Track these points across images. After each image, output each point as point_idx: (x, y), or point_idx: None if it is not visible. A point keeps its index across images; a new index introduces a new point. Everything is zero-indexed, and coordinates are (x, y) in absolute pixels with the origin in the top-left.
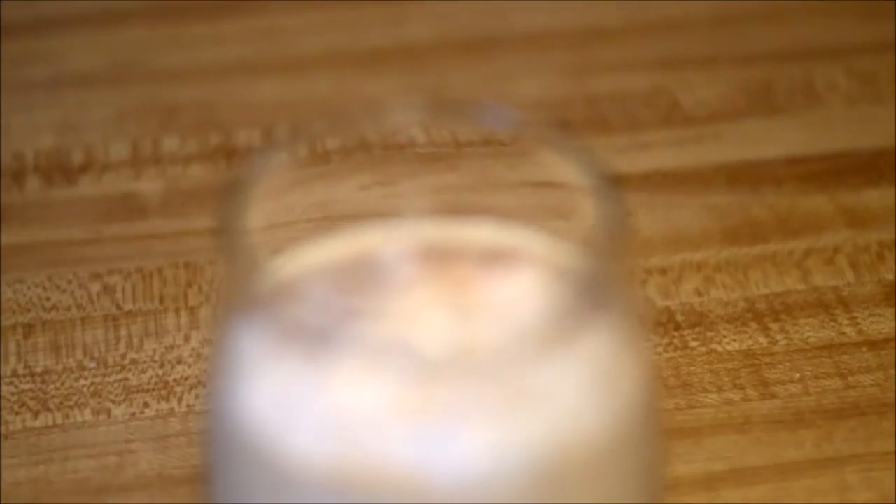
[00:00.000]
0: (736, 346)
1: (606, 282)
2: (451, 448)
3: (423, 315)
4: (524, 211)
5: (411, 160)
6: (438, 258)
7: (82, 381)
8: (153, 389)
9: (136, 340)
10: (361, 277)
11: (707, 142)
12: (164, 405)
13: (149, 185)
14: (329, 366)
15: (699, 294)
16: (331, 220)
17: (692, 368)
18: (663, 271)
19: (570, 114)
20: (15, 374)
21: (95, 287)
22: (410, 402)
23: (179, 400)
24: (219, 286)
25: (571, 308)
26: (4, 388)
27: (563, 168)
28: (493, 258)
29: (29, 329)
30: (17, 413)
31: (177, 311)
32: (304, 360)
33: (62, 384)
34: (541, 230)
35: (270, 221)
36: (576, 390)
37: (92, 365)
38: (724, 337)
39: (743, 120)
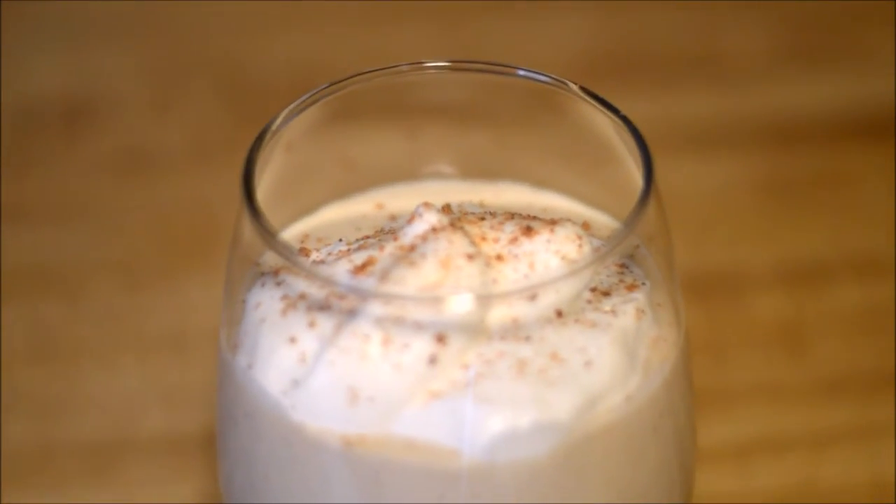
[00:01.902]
0: (769, 308)
1: (639, 242)
2: (479, 418)
3: (450, 281)
4: (556, 170)
5: (442, 118)
6: (468, 220)
7: (94, 331)
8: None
9: (152, 291)
10: (387, 239)
11: (741, 94)
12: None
13: (172, 134)
14: (349, 333)
15: (731, 254)
16: (358, 175)
17: (724, 332)
18: (695, 229)
19: (600, 68)
20: (23, 321)
21: (113, 235)
22: (437, 371)
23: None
24: (235, 246)
25: (604, 269)
26: (13, 337)
27: (595, 125)
28: (526, 220)
29: (41, 277)
30: (25, 363)
31: (195, 262)
32: (317, 324)
33: (73, 334)
34: (573, 189)
35: (295, 177)
36: (609, 354)
37: None
38: (757, 299)
39: (778, 71)
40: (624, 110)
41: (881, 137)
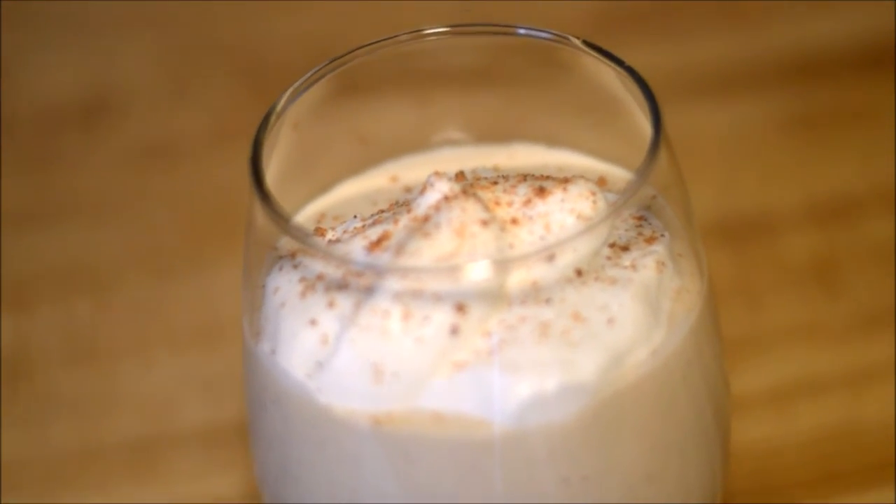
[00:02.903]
0: (799, 248)
1: (655, 192)
2: (505, 386)
3: (466, 249)
4: (568, 127)
5: (448, 84)
6: (481, 185)
7: (127, 328)
8: (201, 334)
9: (182, 282)
10: (401, 212)
11: (758, 33)
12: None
13: (192, 122)
14: (368, 311)
15: (760, 196)
16: (370, 149)
17: (754, 275)
18: (721, 173)
19: (614, 18)
20: (56, 323)
21: (140, 229)
22: (460, 341)
23: (228, 340)
24: (250, 232)
25: (622, 224)
26: (45, 337)
27: (602, 78)
28: (538, 180)
29: (70, 277)
30: (61, 365)
31: (224, 250)
32: (336, 304)
33: (107, 332)
34: (587, 145)
35: (307, 156)
36: (631, 310)
37: None
38: (789, 239)
39: (794, 6)
40: (640, 59)
41: None
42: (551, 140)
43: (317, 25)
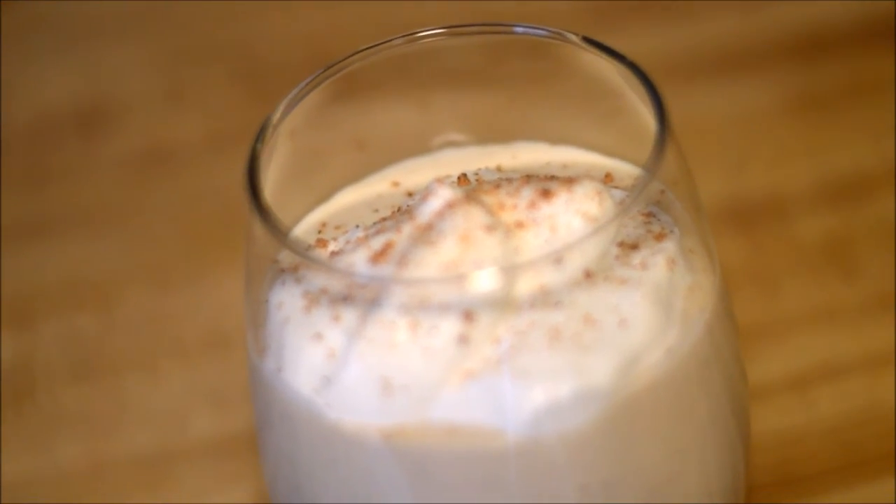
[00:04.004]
0: (816, 229)
1: (663, 187)
2: (518, 394)
3: (471, 256)
4: (571, 123)
5: (446, 86)
6: (484, 189)
7: (132, 340)
8: (207, 344)
9: (186, 293)
10: (404, 220)
11: (760, 12)
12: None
13: (190, 128)
14: (374, 323)
15: (772, 178)
16: (370, 155)
17: (768, 260)
18: (731, 157)
19: (615, 3)
20: (60, 338)
21: (141, 240)
22: (469, 350)
23: (234, 350)
24: (250, 245)
25: (630, 221)
26: (52, 355)
27: (602, 73)
28: (542, 182)
29: (73, 291)
30: (67, 381)
31: (226, 258)
32: (341, 318)
33: (112, 345)
34: (591, 142)
35: (306, 165)
36: (643, 310)
37: None
38: (802, 221)
39: None
40: (641, 43)
41: None
42: (554, 138)
43: (314, 25)
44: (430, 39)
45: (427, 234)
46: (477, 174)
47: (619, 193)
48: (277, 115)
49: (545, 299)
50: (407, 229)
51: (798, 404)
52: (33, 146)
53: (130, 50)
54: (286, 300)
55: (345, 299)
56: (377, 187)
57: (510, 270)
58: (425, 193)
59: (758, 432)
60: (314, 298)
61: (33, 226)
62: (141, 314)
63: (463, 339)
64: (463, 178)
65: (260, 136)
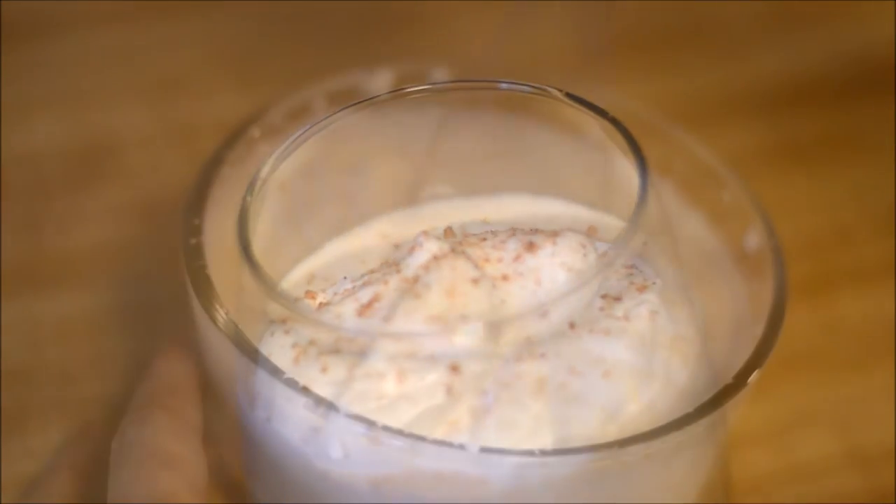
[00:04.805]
0: (795, 278)
1: (648, 240)
2: (502, 444)
3: (458, 308)
4: (555, 176)
5: (432, 139)
6: (470, 242)
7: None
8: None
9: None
10: (391, 272)
11: (737, 63)
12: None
13: (188, 164)
14: (362, 375)
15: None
16: (357, 207)
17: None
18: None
19: (593, 55)
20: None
21: (136, 286)
22: (455, 401)
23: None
24: (241, 296)
25: (612, 274)
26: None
27: (585, 127)
28: (528, 235)
29: (68, 337)
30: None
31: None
32: (329, 369)
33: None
34: (575, 194)
35: (295, 217)
36: (626, 361)
37: None
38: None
39: (771, 35)
40: (623, 92)
41: (886, 87)
42: (539, 190)
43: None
44: (416, 95)
45: (414, 286)
46: (463, 227)
47: (602, 245)
48: (267, 169)
49: (530, 351)
50: (394, 282)
51: (774, 451)
52: (26, 195)
53: (120, 89)
54: (275, 351)
55: (333, 351)
56: (365, 239)
57: (496, 324)
58: (412, 246)
59: (739, 479)
60: (303, 350)
61: (30, 277)
62: (136, 362)
63: (449, 391)
64: (449, 231)
65: (250, 188)
